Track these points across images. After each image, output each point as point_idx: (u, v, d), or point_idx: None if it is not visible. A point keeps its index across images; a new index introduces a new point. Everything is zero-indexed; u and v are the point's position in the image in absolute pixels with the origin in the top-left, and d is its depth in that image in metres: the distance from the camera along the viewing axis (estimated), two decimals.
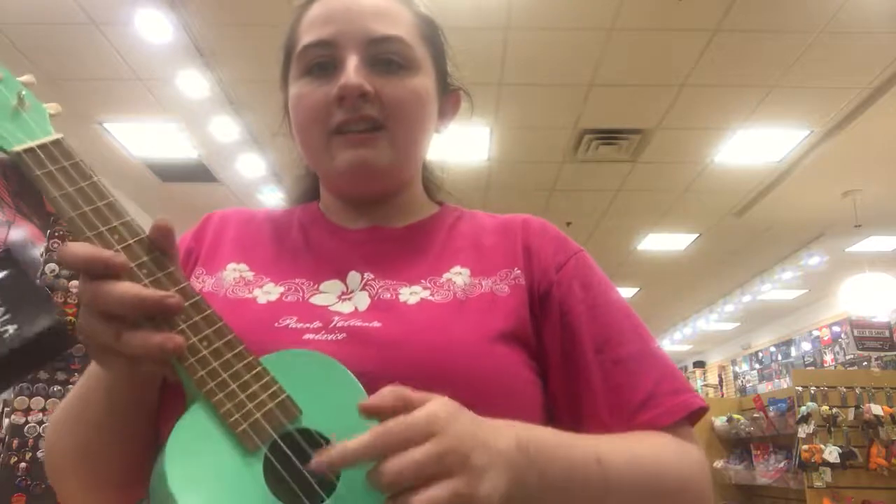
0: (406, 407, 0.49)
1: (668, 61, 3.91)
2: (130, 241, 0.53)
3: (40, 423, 2.50)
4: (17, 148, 0.53)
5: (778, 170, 5.24)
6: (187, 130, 4.71)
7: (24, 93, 0.56)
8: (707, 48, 3.77)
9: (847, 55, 3.80)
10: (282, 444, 0.50)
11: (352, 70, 0.69)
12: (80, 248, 0.50)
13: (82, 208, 0.52)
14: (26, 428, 2.47)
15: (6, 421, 2.48)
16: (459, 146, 4.78)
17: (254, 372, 0.52)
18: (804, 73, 3.96)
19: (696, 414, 0.69)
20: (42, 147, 0.54)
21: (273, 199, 5.42)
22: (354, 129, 0.70)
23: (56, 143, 0.55)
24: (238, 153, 4.89)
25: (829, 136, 4.67)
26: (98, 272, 0.49)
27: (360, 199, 0.77)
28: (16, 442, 2.44)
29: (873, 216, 5.86)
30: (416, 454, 0.46)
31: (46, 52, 3.83)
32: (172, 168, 5.32)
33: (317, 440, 0.52)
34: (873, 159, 5.00)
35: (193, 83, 3.95)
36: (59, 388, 2.58)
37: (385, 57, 0.72)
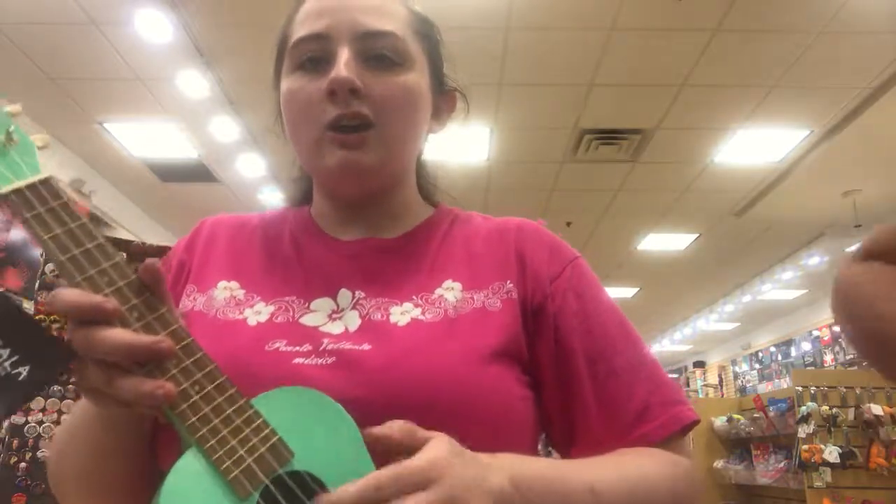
0: (410, 441, 0.50)
1: (668, 61, 3.91)
2: (120, 284, 0.52)
3: (40, 423, 2.50)
4: (5, 189, 0.52)
5: (778, 170, 5.24)
6: (187, 130, 4.71)
7: (12, 128, 0.55)
8: (707, 48, 3.77)
9: (847, 55, 3.80)
10: (273, 489, 0.51)
11: (342, 64, 0.68)
12: (70, 295, 0.49)
13: (72, 251, 0.51)
14: (26, 428, 2.47)
15: (6, 421, 2.48)
16: (459, 146, 4.78)
17: (245, 416, 0.52)
18: (804, 73, 3.96)
19: (689, 427, 0.69)
20: (30, 187, 0.52)
21: (273, 198, 5.42)
22: (345, 124, 0.69)
23: (45, 182, 0.53)
24: (238, 153, 4.89)
25: (829, 136, 4.67)
26: (89, 318, 0.49)
27: (351, 199, 0.76)
28: (16, 442, 2.44)
29: (873, 216, 5.85)
30: (415, 501, 0.46)
31: (46, 52, 3.83)
32: (172, 168, 5.32)
33: (308, 483, 0.52)
34: (873, 159, 5.00)
35: (193, 83, 3.95)
36: (59, 388, 2.58)
37: (377, 52, 0.71)
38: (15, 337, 0.49)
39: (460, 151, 4.89)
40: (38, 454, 2.46)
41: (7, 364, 0.48)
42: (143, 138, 4.88)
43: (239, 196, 5.71)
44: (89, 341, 0.49)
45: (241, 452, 0.50)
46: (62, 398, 2.57)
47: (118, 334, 0.49)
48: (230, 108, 4.35)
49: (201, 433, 0.50)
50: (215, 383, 0.52)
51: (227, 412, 0.51)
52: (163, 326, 0.52)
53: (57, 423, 2.50)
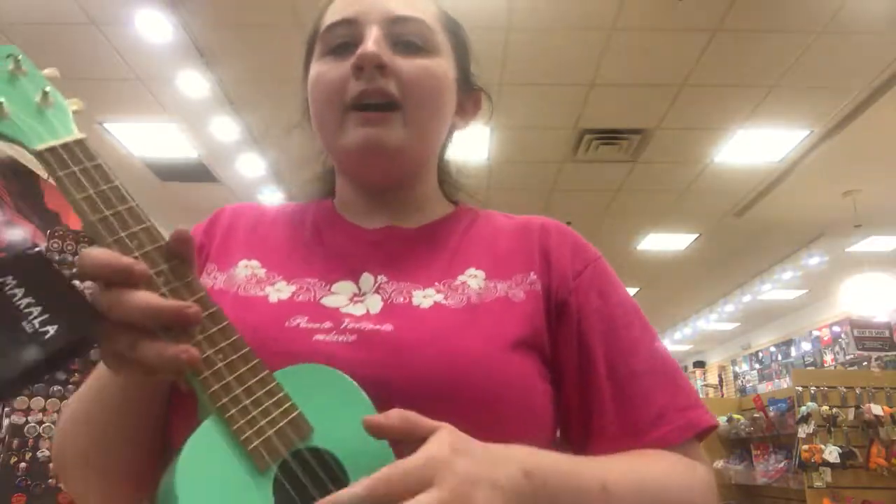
0: (411, 431, 0.49)
1: (668, 61, 3.91)
2: (150, 248, 0.51)
3: (40, 423, 2.50)
4: (41, 147, 0.51)
5: (778, 170, 5.24)
6: (187, 130, 4.71)
7: (48, 89, 0.55)
8: (707, 48, 3.77)
9: (847, 55, 3.80)
10: (292, 463, 0.50)
11: (370, 40, 0.69)
12: (100, 255, 0.48)
13: (103, 212, 0.51)
14: (26, 428, 2.47)
15: (6, 421, 2.49)
16: (459, 146, 4.78)
17: (267, 388, 0.51)
18: (804, 73, 3.96)
19: (706, 431, 0.68)
20: (65, 146, 0.52)
21: (273, 199, 5.42)
22: (370, 102, 0.69)
23: (79, 142, 0.53)
24: (238, 153, 4.89)
25: (829, 136, 4.67)
26: (117, 280, 0.48)
27: (373, 183, 0.76)
28: (16, 442, 2.45)
29: (873, 216, 5.86)
30: (426, 500, 0.45)
31: (46, 52, 3.83)
32: (172, 168, 5.32)
33: (326, 460, 0.52)
34: (873, 159, 5.00)
35: (193, 83, 3.95)
36: (59, 388, 2.58)
37: (405, 38, 0.71)
38: (46, 295, 0.48)
39: (460, 151, 4.88)
40: (38, 454, 2.46)
41: (36, 322, 0.47)
42: (143, 138, 4.88)
43: (239, 196, 5.71)
44: (116, 303, 0.48)
45: (262, 423, 0.50)
46: (62, 398, 2.57)
47: (146, 297, 0.48)
48: (230, 108, 4.35)
49: (223, 402, 0.49)
50: (239, 353, 0.52)
51: (250, 383, 0.51)
52: (190, 293, 0.52)
53: (57, 422, 2.51)
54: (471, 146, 4.87)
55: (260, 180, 5.27)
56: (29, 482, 2.41)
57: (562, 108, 4.41)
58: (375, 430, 0.49)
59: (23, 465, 2.41)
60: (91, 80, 4.12)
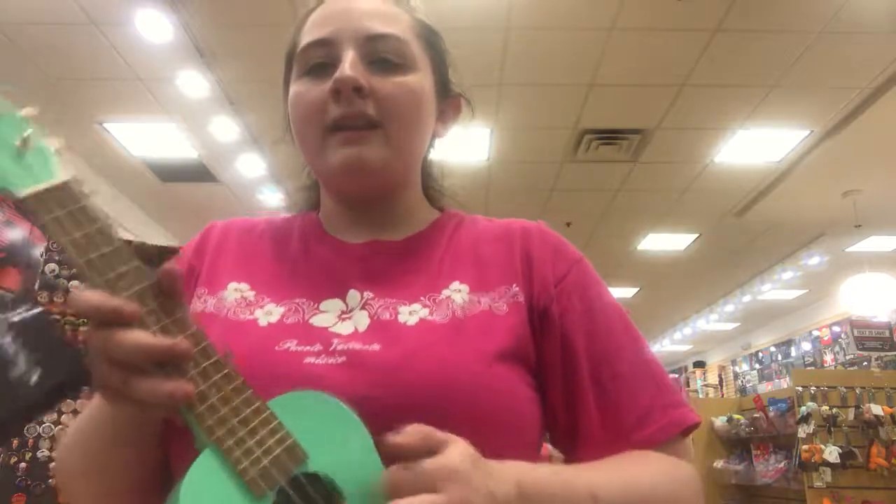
0: (429, 446, 0.52)
1: (668, 61, 3.91)
2: (138, 288, 0.52)
3: (40, 423, 2.50)
4: (24, 193, 0.52)
5: (778, 170, 5.24)
6: (187, 130, 4.71)
7: (28, 132, 0.55)
8: (707, 48, 3.77)
9: (847, 55, 3.80)
10: (288, 489, 0.52)
11: (347, 64, 0.70)
12: (90, 297, 0.50)
13: (89, 255, 0.52)
14: (26, 428, 2.47)
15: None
16: (459, 146, 4.78)
17: (261, 417, 0.53)
18: (804, 73, 3.96)
19: (690, 429, 0.70)
20: (49, 191, 0.53)
21: (273, 199, 5.42)
22: (349, 125, 0.70)
23: (63, 186, 0.54)
24: (238, 153, 4.89)
25: (829, 136, 4.67)
26: (108, 320, 0.50)
27: (357, 198, 0.77)
28: (16, 442, 2.44)
29: (873, 216, 5.86)
30: (433, 500, 0.49)
31: (46, 52, 3.83)
32: (172, 168, 5.32)
33: (322, 482, 0.53)
34: (873, 159, 5.00)
35: (193, 83, 3.95)
36: None
37: (381, 56, 0.72)
38: (33, 342, 0.50)
39: (460, 151, 4.88)
40: (38, 454, 2.46)
41: (22, 368, 0.48)
42: (143, 138, 4.88)
43: (239, 196, 5.71)
44: (108, 342, 0.49)
45: (258, 454, 0.51)
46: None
47: (137, 336, 0.49)
48: (230, 108, 4.35)
49: (218, 434, 0.51)
50: (232, 385, 0.53)
51: (245, 414, 0.52)
52: (180, 329, 0.53)
53: (57, 423, 2.50)
54: (471, 146, 4.87)
55: (260, 180, 5.27)
56: (29, 482, 2.41)
57: (562, 108, 4.41)
58: (397, 449, 0.51)
59: (23, 465, 2.41)
60: (91, 80, 4.12)
